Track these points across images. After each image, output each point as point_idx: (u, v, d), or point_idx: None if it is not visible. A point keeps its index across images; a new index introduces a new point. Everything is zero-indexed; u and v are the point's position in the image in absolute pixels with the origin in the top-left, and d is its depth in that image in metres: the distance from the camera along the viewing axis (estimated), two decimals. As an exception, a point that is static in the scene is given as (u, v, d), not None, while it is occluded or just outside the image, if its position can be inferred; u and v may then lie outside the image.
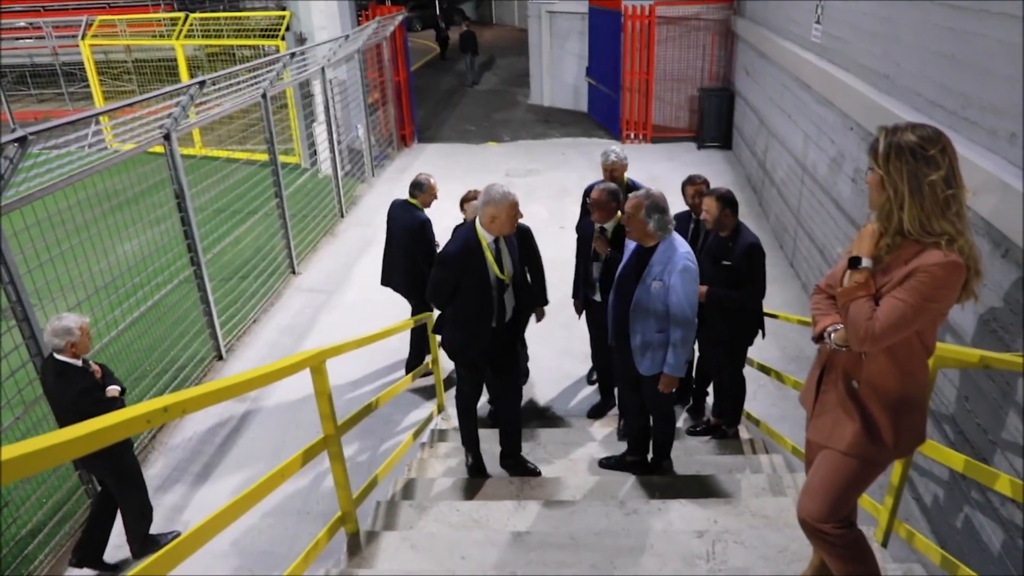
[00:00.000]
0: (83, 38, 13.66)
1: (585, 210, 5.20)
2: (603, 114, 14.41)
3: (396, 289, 5.89)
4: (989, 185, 3.29)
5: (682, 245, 3.64)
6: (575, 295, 5.10)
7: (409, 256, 5.61)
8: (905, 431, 2.27)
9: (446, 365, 5.93)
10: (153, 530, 4.30)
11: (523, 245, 4.35)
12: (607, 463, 4.40)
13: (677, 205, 4.26)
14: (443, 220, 5.89)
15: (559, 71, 16.19)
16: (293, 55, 8.39)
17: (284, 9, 12.36)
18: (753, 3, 10.87)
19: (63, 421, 3.92)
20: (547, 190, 10.67)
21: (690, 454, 4.62)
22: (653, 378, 3.83)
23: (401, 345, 6.21)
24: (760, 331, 4.57)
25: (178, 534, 4.22)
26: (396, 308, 6.46)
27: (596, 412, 5.40)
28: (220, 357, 6.43)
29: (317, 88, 10.06)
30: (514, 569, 3.05)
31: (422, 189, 5.58)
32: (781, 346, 6.23)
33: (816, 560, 2.71)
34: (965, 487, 3.46)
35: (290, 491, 4.74)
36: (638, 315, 3.72)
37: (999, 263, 3.29)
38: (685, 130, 13.11)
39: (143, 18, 14.96)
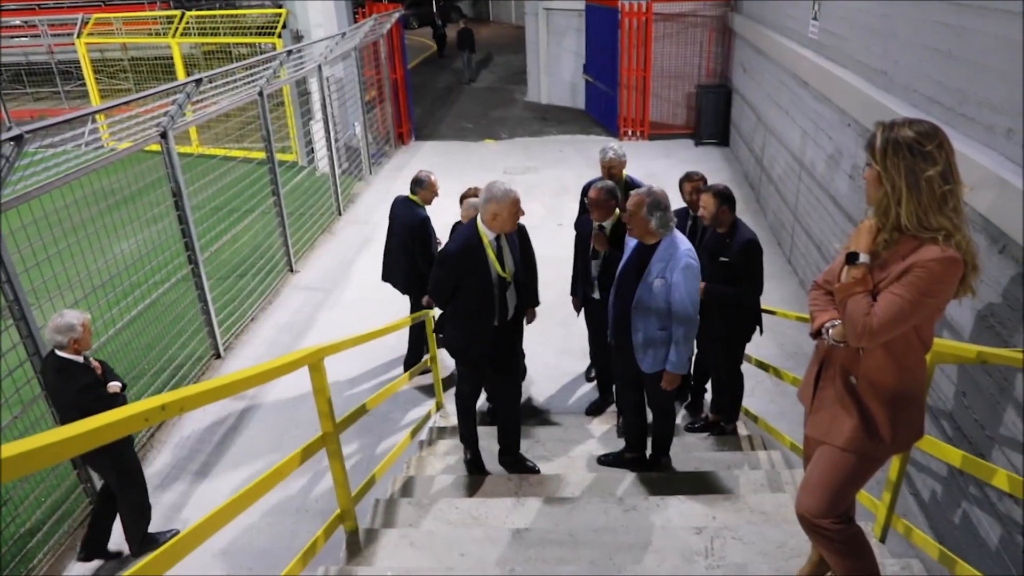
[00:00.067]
0: (79, 36, 13.63)
1: (584, 207, 5.20)
2: (600, 111, 14.40)
3: (395, 285, 5.89)
4: (986, 181, 3.29)
5: (684, 242, 3.64)
6: (573, 293, 5.10)
7: (408, 253, 5.61)
8: (903, 426, 2.27)
9: (445, 363, 5.94)
10: (152, 528, 4.30)
11: (520, 244, 4.35)
12: (605, 460, 4.41)
13: (675, 202, 4.25)
14: (443, 217, 5.89)
15: (556, 68, 16.18)
16: (290, 53, 8.37)
17: (280, 7, 12.33)
18: (750, 0, 10.87)
19: (65, 418, 3.93)
20: (545, 188, 10.67)
21: (688, 451, 4.62)
22: (655, 375, 3.83)
23: (399, 343, 6.21)
24: (758, 327, 4.58)
25: (177, 532, 4.23)
26: (395, 306, 6.45)
27: (594, 409, 5.40)
28: (218, 355, 6.42)
29: (314, 86, 10.04)
30: (513, 566, 3.06)
31: (423, 186, 5.59)
32: (779, 342, 6.23)
33: (814, 556, 2.72)
34: (963, 483, 3.47)
35: (289, 489, 4.74)
36: (640, 313, 3.71)
37: (996, 259, 3.30)
38: (682, 127, 13.11)
39: (139, 16, 14.93)
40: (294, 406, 5.67)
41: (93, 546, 4.24)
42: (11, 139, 3.79)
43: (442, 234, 5.63)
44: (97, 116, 5.64)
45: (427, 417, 5.20)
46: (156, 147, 5.72)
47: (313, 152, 10.73)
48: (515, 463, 4.37)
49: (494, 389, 4.45)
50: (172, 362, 5.84)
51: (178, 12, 13.43)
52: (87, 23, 13.81)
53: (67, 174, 4.56)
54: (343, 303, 7.54)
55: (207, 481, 4.94)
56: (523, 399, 5.49)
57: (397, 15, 13.09)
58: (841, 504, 2.34)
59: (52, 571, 4.22)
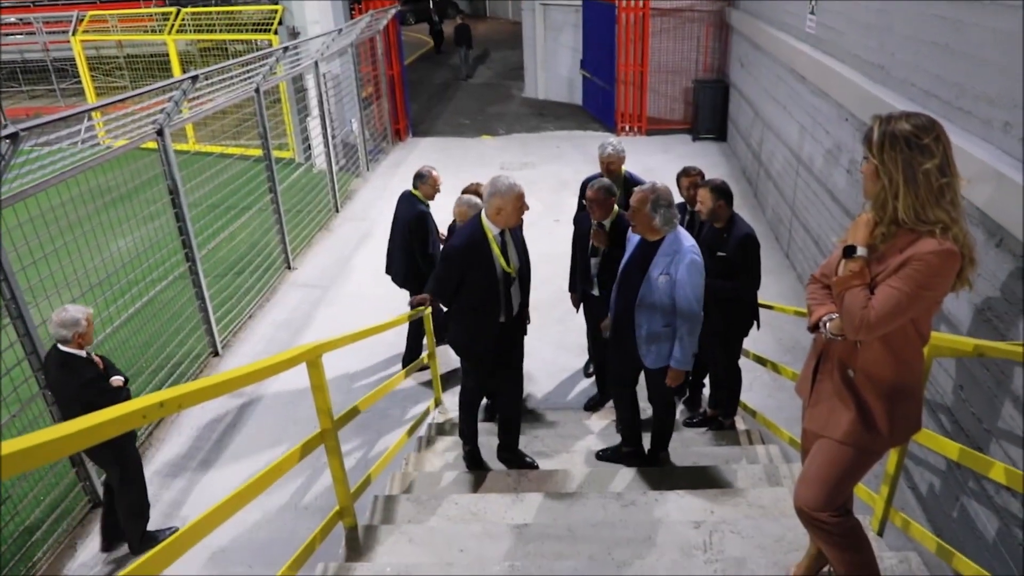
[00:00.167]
0: (74, 34, 13.58)
1: (583, 203, 5.20)
2: (598, 107, 14.39)
3: (394, 279, 5.91)
4: (984, 175, 3.30)
5: (687, 239, 3.63)
6: (572, 289, 5.10)
7: (407, 248, 5.62)
8: (900, 419, 2.27)
9: (444, 360, 5.94)
10: (151, 526, 4.31)
11: None
12: (603, 455, 4.41)
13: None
14: (443, 214, 5.89)
15: (553, 64, 16.15)
16: (286, 49, 8.35)
17: (276, 3, 12.29)
18: (747, -6, 10.86)
19: (67, 412, 3.94)
20: (542, 183, 10.66)
21: (687, 445, 4.63)
22: (658, 371, 3.83)
23: (398, 339, 6.21)
24: (755, 322, 4.58)
25: (176, 529, 4.23)
26: (393, 302, 6.45)
27: (593, 405, 5.41)
28: (216, 353, 6.42)
29: (310, 82, 10.02)
30: (512, 561, 3.06)
31: (424, 180, 5.60)
32: (777, 337, 6.24)
33: (812, 549, 2.72)
34: (960, 476, 3.48)
35: (288, 486, 4.74)
36: (643, 309, 3.70)
37: (994, 252, 3.30)
38: (680, 122, 13.11)
39: (134, 13, 14.87)
40: (293, 403, 5.67)
41: (111, 536, 4.30)
42: (7, 137, 3.78)
43: (444, 230, 5.64)
44: (93, 114, 5.63)
45: (426, 414, 5.20)
46: (152, 144, 5.70)
47: (310, 149, 10.72)
48: (514, 459, 4.38)
49: (496, 386, 4.44)
50: (170, 360, 5.84)
51: (174, 9, 13.38)
52: (82, 20, 13.76)
53: (63, 172, 4.55)
54: (341, 300, 7.53)
55: (206, 478, 4.94)
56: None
57: (393, 11, 13.05)
58: (839, 497, 2.34)
59: (51, 570, 4.22)
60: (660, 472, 4.13)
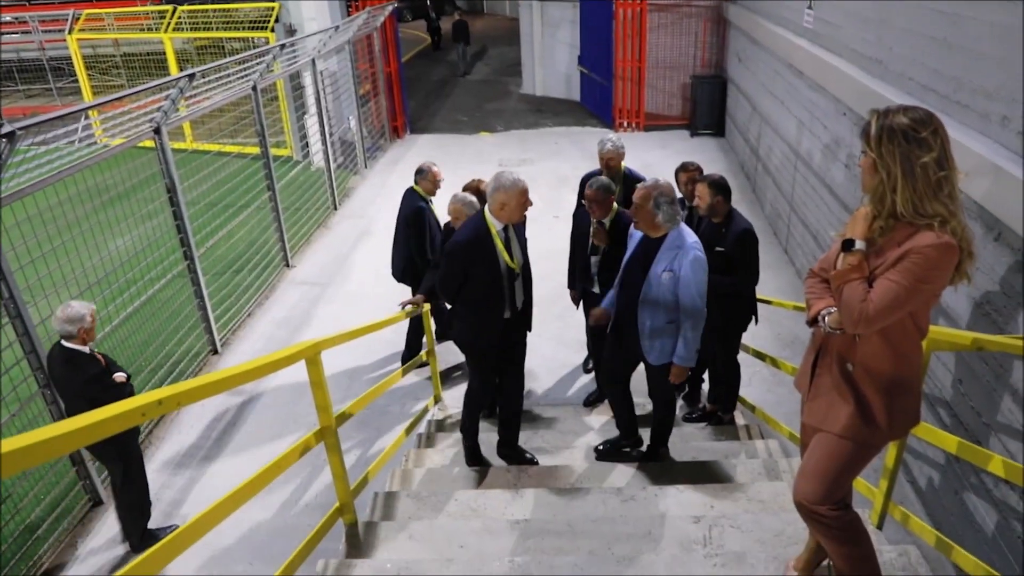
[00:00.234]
0: (70, 32, 13.54)
1: (582, 201, 5.19)
2: (595, 103, 14.37)
3: (392, 273, 5.94)
4: (982, 168, 3.29)
5: (690, 235, 3.61)
6: (571, 286, 5.09)
7: (406, 242, 5.65)
8: (899, 413, 2.28)
9: (443, 357, 5.94)
10: (151, 524, 4.31)
11: None
12: (602, 452, 4.39)
13: (670, 192, 4.25)
14: (443, 211, 5.88)
15: (551, 60, 16.13)
16: (283, 47, 8.34)
17: (273, 0, 12.27)
18: (745, -11, 10.85)
19: (71, 408, 3.96)
20: (541, 180, 10.65)
21: (686, 440, 4.64)
22: (661, 367, 3.82)
23: (397, 337, 6.21)
24: (754, 317, 4.59)
25: (176, 527, 4.23)
26: (393, 300, 6.42)
27: (593, 401, 5.41)
28: (215, 351, 6.41)
29: (308, 80, 10.01)
30: (512, 557, 3.07)
31: (424, 176, 5.63)
32: (775, 332, 6.25)
33: (812, 543, 2.73)
34: (960, 469, 3.49)
35: (289, 483, 4.75)
36: (646, 306, 3.69)
37: (992, 246, 3.30)
38: (678, 118, 13.10)
39: (131, 11, 14.84)
40: (293, 401, 5.68)
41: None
42: (3, 136, 3.78)
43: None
44: (90, 112, 5.63)
45: (425, 410, 5.20)
46: (150, 143, 5.69)
47: (308, 147, 10.70)
48: (514, 455, 4.38)
49: (499, 383, 4.44)
50: (169, 358, 5.84)
51: (170, 7, 13.34)
52: (78, 19, 13.71)
53: (60, 171, 4.54)
54: (340, 298, 7.53)
55: (206, 476, 4.94)
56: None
57: (390, 8, 13.03)
58: (838, 491, 2.34)
59: (53, 568, 4.22)
60: (660, 467, 4.14)
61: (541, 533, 3.27)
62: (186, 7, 13.25)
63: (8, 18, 17.49)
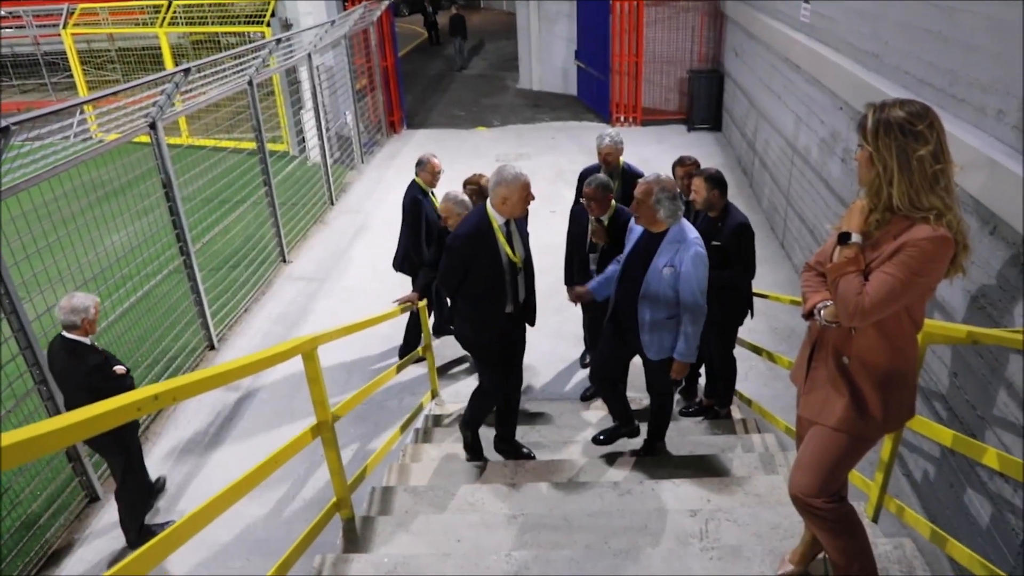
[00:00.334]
0: (64, 27, 13.47)
1: (581, 195, 5.18)
2: (592, 97, 14.35)
3: (393, 262, 5.99)
4: (977, 162, 3.30)
5: (691, 230, 3.60)
6: (568, 282, 5.09)
7: (402, 231, 5.70)
8: (894, 406, 2.29)
9: (441, 353, 5.94)
10: (148, 519, 4.32)
11: None
12: (601, 439, 4.37)
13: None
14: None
15: (548, 55, 16.10)
16: (279, 41, 8.29)
17: (269, -5, 12.22)
18: (741, -17, 10.83)
19: (72, 400, 3.97)
20: (538, 175, 10.61)
21: (683, 435, 4.65)
22: (660, 363, 3.82)
23: (394, 332, 6.21)
24: (749, 311, 4.60)
25: (173, 523, 4.24)
26: (389, 294, 6.43)
27: (590, 395, 5.42)
28: (212, 347, 6.41)
29: (304, 75, 9.97)
30: (509, 551, 3.07)
31: (423, 167, 5.68)
32: (772, 326, 6.26)
33: (808, 536, 2.73)
34: (954, 463, 3.50)
35: (285, 478, 4.75)
36: (646, 301, 3.68)
37: (987, 240, 3.31)
38: (675, 112, 13.09)
39: (125, 6, 14.77)
40: (289, 396, 5.68)
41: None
42: (-2, 131, 3.76)
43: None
44: (85, 107, 5.60)
45: (423, 406, 5.20)
46: (145, 138, 5.67)
47: (304, 142, 10.68)
48: (511, 450, 4.38)
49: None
50: (166, 354, 5.83)
51: (165, 1, 13.28)
52: (73, 13, 13.65)
53: (55, 166, 4.53)
54: (337, 293, 7.52)
55: (203, 472, 4.95)
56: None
57: (386, 2, 12.98)
58: (833, 484, 2.35)
59: (50, 564, 4.23)
60: (656, 461, 4.14)
61: (538, 527, 3.28)
62: (181, 1, 13.19)
63: (2, 12, 17.39)
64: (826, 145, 6.29)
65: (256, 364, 2.50)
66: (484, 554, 3.05)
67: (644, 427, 4.31)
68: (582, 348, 6.00)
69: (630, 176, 5.17)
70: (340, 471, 3.17)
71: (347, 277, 7.87)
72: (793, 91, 7.55)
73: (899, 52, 4.66)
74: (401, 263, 5.91)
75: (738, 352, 4.81)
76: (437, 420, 5.19)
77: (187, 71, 5.71)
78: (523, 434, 4.58)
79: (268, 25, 11.95)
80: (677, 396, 5.26)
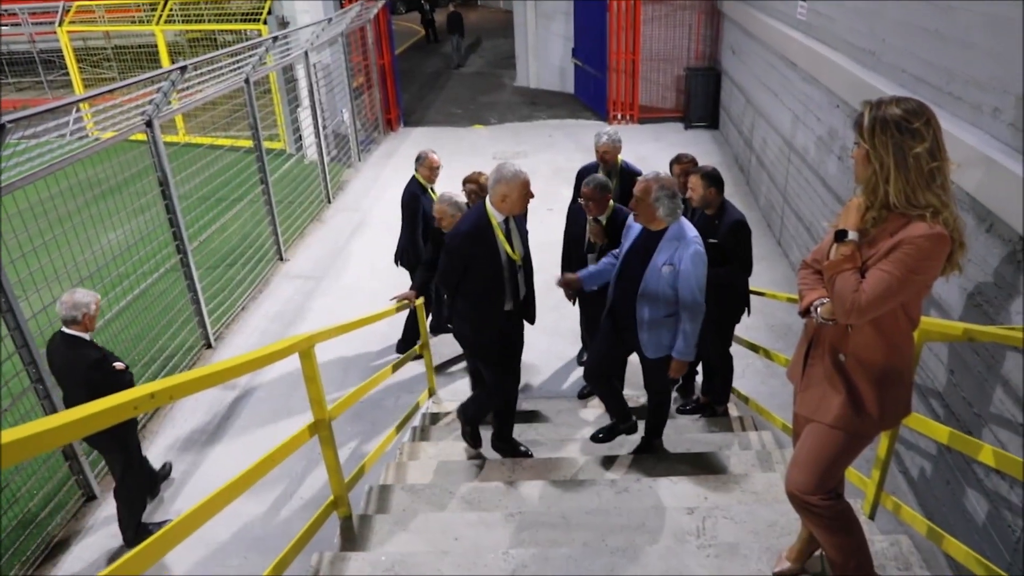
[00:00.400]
0: (60, 24, 13.43)
1: (579, 194, 5.17)
2: (590, 95, 14.35)
3: (395, 256, 6.03)
4: (974, 160, 3.30)
5: (691, 229, 3.59)
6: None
7: (402, 227, 5.74)
8: (890, 403, 2.29)
9: (439, 351, 5.94)
10: (145, 517, 4.31)
11: None
12: (600, 437, 4.37)
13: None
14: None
15: (545, 52, 16.09)
16: (275, 39, 8.29)
17: (265, -7, 12.19)
18: (738, -19, 10.82)
19: (73, 395, 3.98)
20: (535, 172, 10.49)
21: (680, 432, 4.65)
22: (658, 361, 3.82)
23: (391, 330, 6.21)
24: (746, 308, 4.60)
25: (171, 522, 4.24)
26: (387, 292, 6.42)
27: (587, 393, 5.42)
28: (209, 345, 6.40)
29: (301, 73, 9.95)
30: (507, 549, 3.07)
31: (420, 162, 5.72)
32: (769, 324, 6.27)
33: (804, 533, 2.74)
34: (951, 459, 3.51)
35: (282, 477, 4.75)
36: (645, 298, 3.67)
37: (983, 238, 3.32)
38: (672, 110, 13.09)
39: (122, 3, 14.71)
40: (286, 394, 5.67)
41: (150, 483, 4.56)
42: (-7, 129, 3.75)
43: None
44: (81, 105, 5.58)
45: (420, 404, 5.20)
46: (142, 136, 5.66)
47: (301, 140, 10.66)
48: (508, 448, 4.38)
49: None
50: (162, 353, 5.82)
51: (161, -1, 13.25)
52: (69, 11, 13.60)
53: (51, 164, 4.52)
54: (334, 291, 7.52)
55: (200, 470, 4.94)
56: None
57: (384, 0, 12.96)
58: (830, 481, 2.36)
59: (47, 563, 4.22)
60: (654, 459, 4.15)
61: (536, 525, 3.28)
62: (177, -1, 13.16)
63: (-2, 10, 17.33)
64: (823, 143, 6.30)
65: (253, 362, 2.50)
66: (482, 552, 3.05)
67: (641, 425, 4.32)
68: (579, 346, 6.00)
69: (628, 174, 5.17)
70: (337, 469, 3.17)
71: (344, 275, 7.86)
72: (790, 89, 7.55)
73: (896, 50, 4.67)
74: (400, 257, 5.94)
75: (735, 350, 4.81)
76: (434, 418, 5.19)
77: (183, 69, 5.70)
78: (521, 432, 4.58)
79: (265, 23, 11.92)
80: (674, 394, 5.26)
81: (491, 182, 3.69)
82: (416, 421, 5.07)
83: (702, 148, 11.15)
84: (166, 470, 4.84)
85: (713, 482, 3.71)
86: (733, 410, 5.06)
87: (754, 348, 4.96)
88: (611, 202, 4.49)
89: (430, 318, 6.14)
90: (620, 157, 5.32)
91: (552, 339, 6.27)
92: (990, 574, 2.54)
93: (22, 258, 4.42)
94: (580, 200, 4.55)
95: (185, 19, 13.09)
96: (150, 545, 1.95)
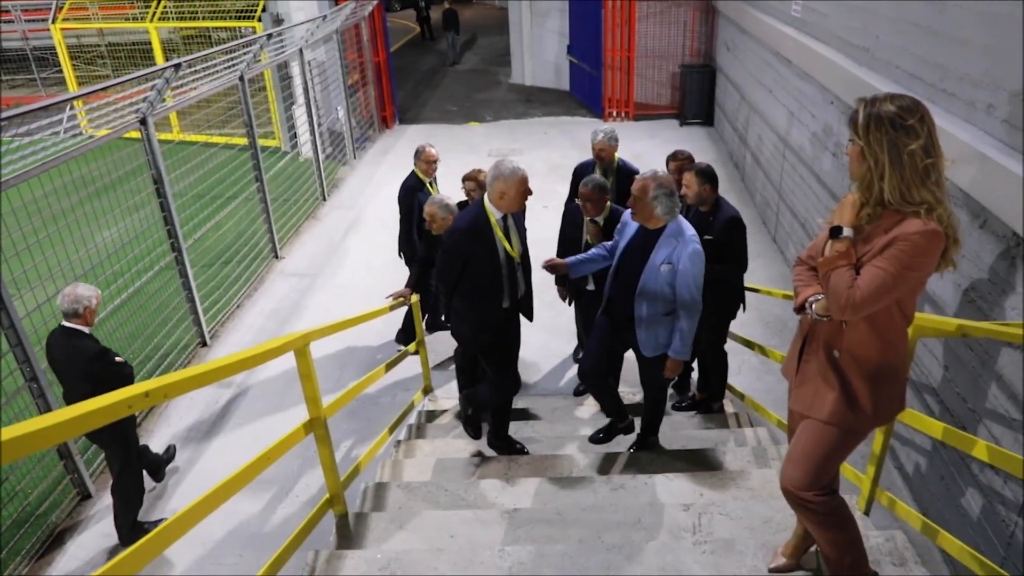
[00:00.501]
0: (54, 21, 13.36)
1: (575, 192, 5.17)
2: (585, 92, 14.34)
3: (397, 249, 6.07)
4: (967, 156, 3.31)
5: (688, 227, 3.58)
6: (560, 282, 5.08)
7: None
8: (884, 399, 2.30)
9: (437, 349, 5.93)
10: (140, 516, 4.30)
11: None
12: (598, 438, 4.38)
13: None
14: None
15: (540, 50, 16.07)
16: (270, 36, 8.26)
17: (260, -10, 12.15)
18: (733, -22, 10.82)
19: (74, 388, 3.99)
20: (530, 170, 10.54)
21: (676, 429, 4.66)
22: (655, 359, 3.82)
23: (387, 328, 6.20)
24: (741, 305, 4.61)
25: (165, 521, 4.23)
26: (383, 290, 6.42)
27: (583, 390, 5.42)
28: (204, 343, 6.38)
29: (295, 70, 9.93)
30: (503, 546, 3.08)
31: (418, 156, 5.73)
32: (765, 320, 6.28)
33: (800, 529, 2.75)
34: (946, 455, 3.53)
35: (278, 475, 4.74)
36: (644, 297, 3.66)
37: (977, 234, 3.32)
38: (667, 107, 13.09)
39: (115, 0, 14.65)
40: (282, 392, 5.66)
41: (152, 469, 4.65)
42: (-14, 126, 3.73)
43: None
44: (75, 103, 5.56)
45: (416, 401, 5.20)
46: (136, 134, 5.64)
47: (296, 137, 10.63)
48: (504, 445, 4.38)
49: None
50: (157, 351, 5.80)
51: (155, -4, 13.19)
52: (62, 8, 13.53)
53: (45, 162, 4.49)
54: (329, 289, 7.50)
55: (195, 468, 4.93)
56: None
57: (378, -2, 12.94)
58: (824, 477, 2.36)
59: (43, 562, 4.21)
60: (649, 456, 4.15)
61: (531, 522, 3.28)
62: (171, -4, 13.11)
63: (-9, 7, 17.24)
64: (818, 139, 6.30)
65: (248, 360, 2.50)
66: (478, 549, 3.05)
67: (637, 421, 4.32)
68: (575, 343, 6.00)
69: (625, 173, 5.17)
70: (333, 467, 3.17)
71: (340, 273, 7.85)
72: (784, 86, 7.56)
73: (890, 47, 4.67)
74: (400, 248, 5.99)
75: (730, 346, 4.82)
76: (430, 416, 5.19)
77: (178, 66, 5.68)
78: (516, 429, 4.58)
79: (259, 20, 11.89)
80: (670, 391, 5.27)
81: (489, 179, 3.69)
82: (412, 419, 5.07)
83: (697, 145, 11.15)
84: (170, 453, 4.89)
85: (709, 479, 3.72)
86: (729, 406, 5.07)
87: (749, 345, 4.97)
88: (608, 203, 4.48)
89: (426, 316, 6.15)
90: (617, 155, 5.31)
91: (548, 336, 6.27)
92: (984, 568, 2.55)
93: (16, 256, 4.40)
94: (577, 201, 4.54)
95: (179, 16, 13.04)
96: (146, 543, 1.94)
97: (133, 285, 5.80)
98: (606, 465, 4.06)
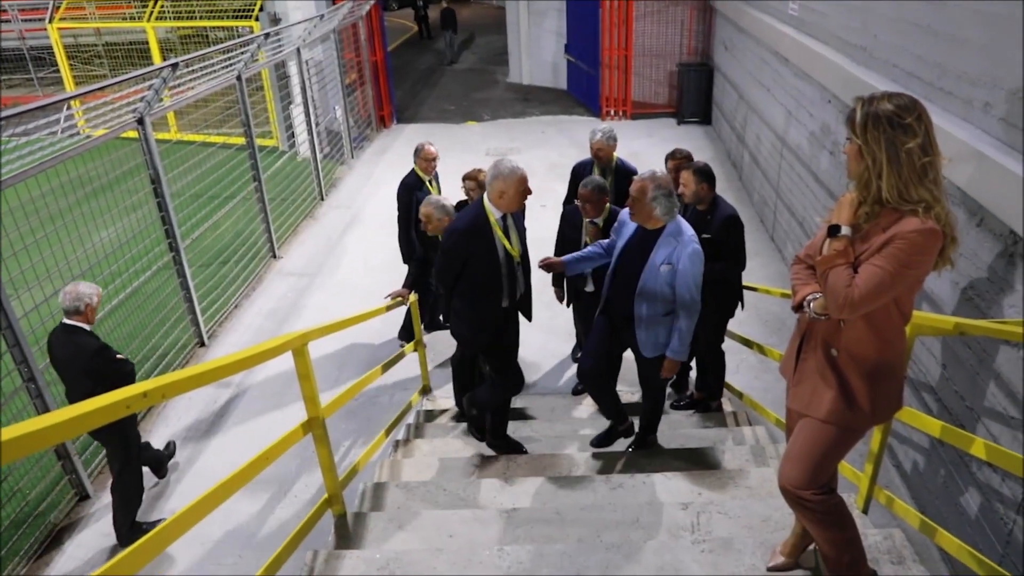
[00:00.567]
0: (51, 21, 13.34)
1: (574, 191, 5.16)
2: (582, 91, 14.34)
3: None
4: (965, 155, 3.32)
5: (687, 227, 3.58)
6: (557, 284, 5.08)
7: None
8: (882, 398, 2.30)
9: (436, 348, 5.93)
10: (139, 516, 4.30)
11: None
12: (599, 442, 4.37)
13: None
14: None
15: (537, 49, 16.07)
16: (267, 36, 8.26)
17: (257, -11, 12.13)
18: (731, -23, 10.82)
19: (76, 386, 3.99)
20: (528, 169, 10.56)
21: (674, 428, 4.66)
22: (654, 359, 3.81)
23: (385, 328, 6.20)
24: (739, 303, 4.61)
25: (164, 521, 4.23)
26: (381, 289, 6.42)
27: (581, 389, 5.42)
28: (202, 343, 6.38)
29: (293, 69, 9.92)
30: (502, 545, 3.08)
31: (416, 154, 5.73)
32: (763, 319, 6.28)
33: (798, 528, 2.75)
34: (944, 453, 3.53)
35: (277, 475, 4.74)
36: (643, 298, 3.66)
37: (974, 232, 3.33)
38: (664, 106, 13.09)
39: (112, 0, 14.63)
40: (280, 392, 5.66)
41: (153, 465, 4.69)
42: (-17, 127, 3.72)
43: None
44: (72, 102, 5.54)
45: (415, 401, 5.20)
46: (133, 134, 5.63)
47: (294, 137, 10.62)
48: (502, 444, 4.38)
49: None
50: (155, 351, 5.80)
51: (152, -5, 13.17)
52: (59, 7, 13.50)
53: (42, 162, 4.49)
54: (328, 288, 7.50)
55: (194, 468, 4.93)
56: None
57: (375, -3, 12.92)
58: (822, 475, 2.36)
59: (41, 562, 4.20)
60: (648, 455, 4.16)
61: (530, 522, 3.28)
62: (168, -5, 13.08)
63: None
64: (815, 138, 6.31)
65: (246, 360, 2.49)
66: (477, 549, 3.05)
67: (635, 421, 4.32)
68: (573, 343, 6.00)
69: (624, 172, 5.17)
70: (332, 467, 3.16)
71: (338, 272, 7.85)
72: (782, 84, 7.56)
73: (888, 46, 4.68)
74: (399, 244, 5.95)
75: (729, 345, 4.82)
76: (429, 416, 5.19)
77: (175, 66, 5.67)
78: (515, 429, 4.58)
79: (257, 20, 11.87)
80: (668, 390, 5.27)
81: (488, 178, 3.69)
82: (410, 418, 5.07)
83: (695, 144, 11.15)
84: (171, 450, 4.90)
85: (707, 477, 3.72)
86: (727, 405, 5.08)
87: (748, 343, 4.98)
88: (607, 204, 4.48)
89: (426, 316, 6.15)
90: (615, 154, 5.31)
91: (546, 336, 6.28)
92: (983, 567, 2.55)
93: (13, 256, 4.40)
94: (576, 202, 4.53)
95: (176, 16, 13.01)
96: (145, 543, 1.94)
97: (131, 285, 5.79)
98: (605, 464, 4.06)
